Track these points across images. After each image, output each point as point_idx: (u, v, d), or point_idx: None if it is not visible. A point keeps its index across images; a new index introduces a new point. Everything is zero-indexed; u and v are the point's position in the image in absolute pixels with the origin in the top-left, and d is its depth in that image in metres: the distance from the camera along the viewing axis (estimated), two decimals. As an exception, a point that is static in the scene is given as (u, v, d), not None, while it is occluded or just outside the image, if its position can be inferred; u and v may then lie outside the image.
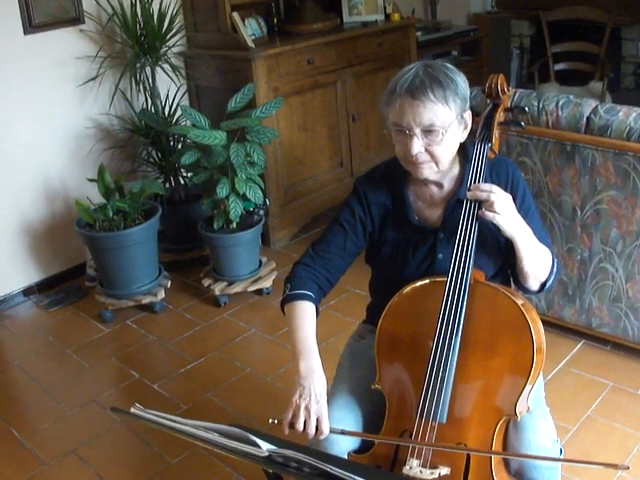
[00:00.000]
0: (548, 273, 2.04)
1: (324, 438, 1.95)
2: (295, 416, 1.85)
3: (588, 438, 2.88)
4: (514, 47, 7.17)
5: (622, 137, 2.94)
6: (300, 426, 1.84)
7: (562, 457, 2.01)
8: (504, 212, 1.87)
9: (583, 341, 3.44)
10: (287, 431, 1.86)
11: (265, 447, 1.30)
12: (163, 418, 1.44)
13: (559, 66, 5.80)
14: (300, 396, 1.87)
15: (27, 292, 4.41)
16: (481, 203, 1.90)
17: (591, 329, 3.35)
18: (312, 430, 1.84)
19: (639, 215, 2.99)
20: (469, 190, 1.92)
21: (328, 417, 1.93)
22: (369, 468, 1.81)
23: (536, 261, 1.99)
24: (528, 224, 1.96)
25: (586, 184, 3.08)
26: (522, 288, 2.07)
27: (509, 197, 1.90)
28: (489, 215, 1.87)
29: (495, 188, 1.89)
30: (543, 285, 2.06)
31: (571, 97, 3.13)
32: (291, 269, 2.15)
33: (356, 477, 1.25)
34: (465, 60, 6.13)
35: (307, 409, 1.85)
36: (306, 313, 2.03)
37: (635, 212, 2.99)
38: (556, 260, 2.07)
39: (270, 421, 1.89)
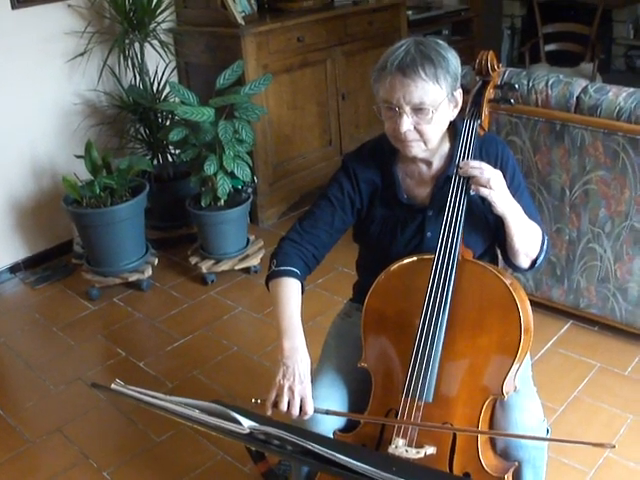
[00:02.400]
0: (538, 250, 2.02)
1: (309, 419, 1.93)
2: (279, 396, 1.84)
3: (575, 418, 2.88)
4: (505, 27, 7.14)
5: (612, 117, 2.92)
6: (284, 406, 1.83)
7: (549, 437, 2.01)
8: (498, 188, 1.86)
9: (571, 321, 3.44)
10: (270, 412, 1.84)
11: (247, 424, 1.28)
12: (144, 394, 1.41)
13: (550, 47, 5.77)
14: (284, 376, 1.86)
15: (13, 269, 4.38)
16: (470, 180, 1.88)
17: (579, 309, 3.35)
18: (296, 411, 1.83)
19: (628, 195, 2.98)
20: (459, 167, 1.90)
21: (314, 396, 1.92)
22: (353, 446, 1.80)
23: (526, 238, 1.97)
24: (518, 202, 1.95)
25: (575, 164, 3.07)
26: (512, 266, 2.06)
27: (500, 174, 1.89)
28: (484, 191, 1.85)
29: (485, 165, 1.87)
30: (534, 263, 2.04)
31: (561, 76, 3.11)
32: (277, 244, 2.12)
33: (338, 454, 1.23)
34: (456, 40, 6.09)
35: (291, 389, 1.84)
36: (291, 290, 2.01)
37: (624, 192, 2.98)
38: (546, 238, 2.06)
39: (253, 401, 1.87)
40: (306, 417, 1.85)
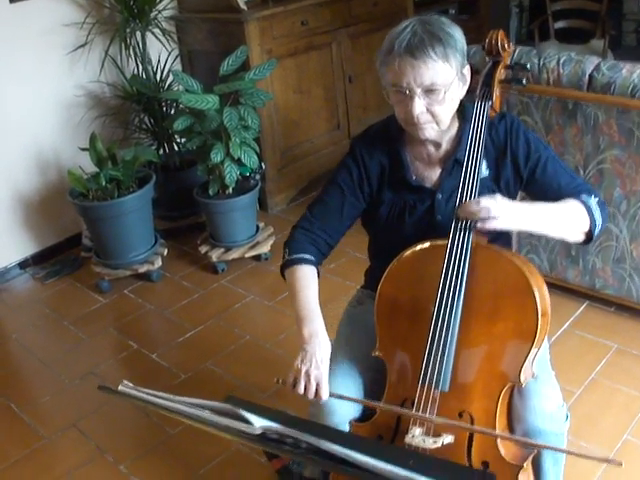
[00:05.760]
0: (588, 224, 1.91)
1: (325, 407, 1.94)
2: (296, 380, 1.84)
3: (593, 401, 2.84)
4: (513, 5, 7.06)
5: (626, 94, 2.86)
6: (300, 390, 1.83)
7: (566, 425, 1.96)
8: (502, 215, 1.75)
9: (587, 302, 3.40)
10: (292, 392, 1.85)
11: (258, 424, 1.24)
12: (152, 396, 1.38)
13: (559, 24, 5.70)
14: (302, 361, 1.85)
15: (23, 265, 4.36)
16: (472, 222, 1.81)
17: (595, 290, 3.30)
18: (311, 395, 1.83)
19: (643, 174, 2.93)
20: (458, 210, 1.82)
21: (329, 384, 1.90)
22: (368, 441, 1.76)
23: (561, 227, 1.90)
24: (542, 176, 1.94)
25: (589, 143, 3.01)
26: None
27: (498, 199, 1.77)
28: (491, 225, 1.75)
29: (481, 200, 1.76)
30: (590, 234, 1.94)
31: (572, 54, 3.04)
32: (289, 233, 2.11)
33: (353, 454, 1.20)
34: (463, 19, 6.00)
35: (307, 374, 1.83)
36: (307, 277, 2.00)
37: (639, 171, 2.92)
38: (594, 202, 1.92)
39: (275, 380, 1.89)
40: (321, 401, 1.85)
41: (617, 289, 3.22)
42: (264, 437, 1.25)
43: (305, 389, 1.83)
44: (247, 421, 1.24)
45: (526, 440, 1.87)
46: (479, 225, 1.77)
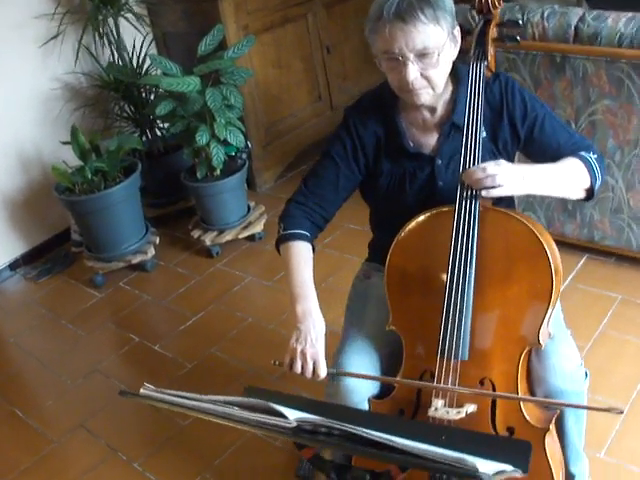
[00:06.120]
0: (589, 180, 1.90)
1: (342, 387, 1.92)
2: (292, 359, 1.83)
3: (603, 354, 2.83)
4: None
5: (613, 44, 2.81)
6: (298, 369, 1.82)
7: (586, 383, 1.94)
8: (507, 181, 1.73)
9: (586, 255, 3.38)
10: (289, 372, 1.84)
11: (293, 417, 1.20)
12: (177, 397, 1.34)
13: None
14: (296, 340, 1.84)
15: (13, 266, 4.29)
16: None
17: (594, 243, 3.28)
18: (309, 374, 1.82)
19: (636, 123, 2.89)
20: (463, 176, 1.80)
21: (345, 364, 1.93)
22: (399, 421, 1.73)
23: (564, 186, 1.88)
24: (540, 134, 1.92)
25: (579, 95, 2.97)
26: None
27: (503, 164, 1.75)
28: (496, 193, 1.74)
29: (487, 165, 1.74)
30: (591, 191, 1.94)
31: (556, 7, 3.00)
32: (284, 207, 2.07)
33: (390, 437, 1.17)
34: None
35: (303, 353, 1.81)
36: (301, 253, 1.97)
37: (631, 120, 2.89)
38: (593, 158, 1.92)
39: (272, 362, 1.88)
40: (319, 379, 1.83)
41: (616, 240, 3.20)
42: (299, 429, 1.22)
43: (302, 368, 1.82)
44: (281, 415, 1.20)
45: (549, 400, 1.86)
46: (484, 193, 1.75)
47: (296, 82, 4.69)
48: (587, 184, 1.91)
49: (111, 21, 4.08)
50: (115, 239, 3.91)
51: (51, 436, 3.01)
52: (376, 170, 2.05)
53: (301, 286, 1.91)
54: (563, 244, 3.29)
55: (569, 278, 3.26)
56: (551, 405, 1.88)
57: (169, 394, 1.33)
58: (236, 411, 1.26)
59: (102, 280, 3.98)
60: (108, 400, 3.11)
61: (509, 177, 1.73)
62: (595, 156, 1.93)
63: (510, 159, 1.96)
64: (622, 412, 1.48)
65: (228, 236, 4.03)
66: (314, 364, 1.81)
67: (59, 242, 4.42)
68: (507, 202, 2.04)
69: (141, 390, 1.36)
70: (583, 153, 1.93)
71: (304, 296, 1.89)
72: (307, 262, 1.97)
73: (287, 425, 1.20)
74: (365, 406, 1.93)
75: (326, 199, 2.05)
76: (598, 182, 1.93)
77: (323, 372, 1.81)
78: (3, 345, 3.69)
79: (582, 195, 1.94)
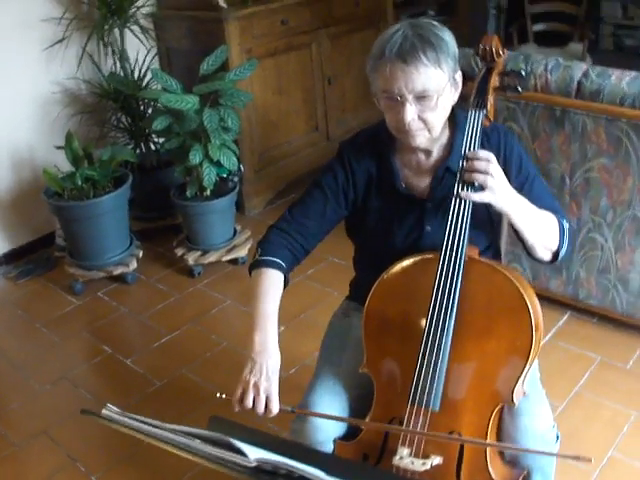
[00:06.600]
0: (558, 242, 1.91)
1: (309, 424, 1.88)
2: (244, 392, 1.75)
3: (577, 415, 2.80)
4: (491, 7, 7.01)
5: (615, 102, 2.81)
6: (249, 403, 1.74)
7: (558, 443, 1.92)
8: (497, 188, 1.74)
9: (569, 313, 3.36)
10: (237, 408, 1.75)
11: (253, 456, 1.17)
12: (139, 422, 1.30)
13: (537, 27, 5.70)
14: (250, 371, 1.77)
15: (-5, 264, 4.25)
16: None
17: (578, 301, 3.26)
18: (261, 409, 1.74)
19: (631, 184, 2.89)
20: (465, 159, 1.79)
21: (313, 403, 1.89)
22: (364, 468, 1.69)
23: (538, 231, 1.86)
24: (529, 192, 1.86)
25: (576, 151, 2.97)
26: (534, 259, 1.95)
27: (501, 172, 1.77)
28: (480, 198, 1.75)
29: (492, 165, 1.75)
30: (556, 255, 1.93)
31: (560, 60, 3.00)
32: (265, 233, 2.03)
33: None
34: (441, 20, 5.90)
35: (256, 386, 1.74)
36: (273, 283, 1.92)
37: (627, 181, 2.89)
38: (566, 227, 1.93)
39: (218, 395, 1.78)
40: (270, 415, 1.75)
41: (601, 300, 3.18)
42: (258, 469, 1.18)
43: (254, 402, 1.74)
44: (241, 452, 1.17)
45: (516, 447, 1.83)
46: (463, 194, 1.76)
47: (295, 110, 4.69)
48: (555, 245, 1.91)
49: (117, 31, 4.10)
50: (99, 248, 3.88)
51: (12, 439, 2.97)
52: (364, 207, 2.02)
53: (264, 316, 1.85)
54: (547, 299, 3.31)
55: (550, 334, 3.24)
56: (517, 452, 1.84)
57: (131, 418, 1.29)
58: (197, 444, 1.23)
59: (81, 288, 3.94)
60: (74, 409, 3.05)
61: (500, 185, 1.74)
62: (567, 225, 1.94)
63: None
64: (591, 461, 1.44)
65: (211, 257, 4.00)
66: (267, 399, 1.74)
67: (43, 245, 4.39)
68: (493, 252, 2.03)
69: (103, 411, 1.32)
70: (560, 218, 1.93)
71: (264, 327, 1.84)
72: (276, 292, 1.91)
73: (246, 464, 1.16)
74: (330, 446, 1.89)
75: (310, 230, 2.01)
76: (563, 249, 1.93)
77: (275, 408, 1.74)
78: (-25, 343, 3.65)
79: (547, 255, 1.93)
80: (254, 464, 1.17)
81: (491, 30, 6.98)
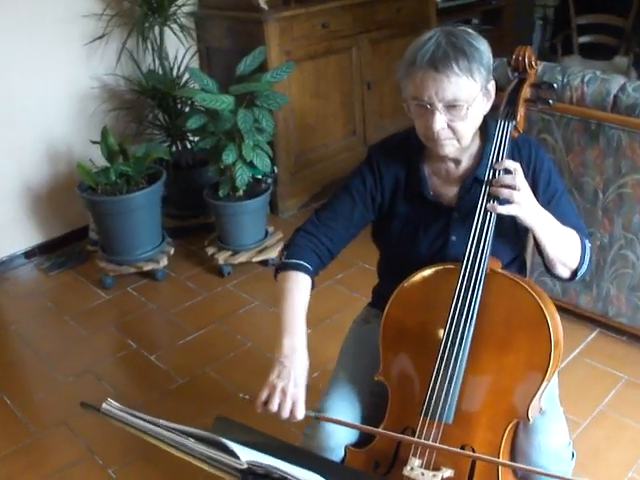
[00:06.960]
0: (578, 260, 1.88)
1: (322, 429, 1.87)
2: (270, 396, 1.73)
3: (599, 434, 2.74)
4: (537, 17, 6.94)
5: (652, 118, 2.77)
6: (274, 407, 1.72)
7: (573, 462, 1.88)
8: (523, 202, 1.72)
9: (598, 330, 3.30)
10: (260, 410, 1.73)
11: (245, 458, 1.15)
12: (137, 418, 1.30)
13: (583, 39, 5.61)
14: (278, 376, 1.74)
15: (28, 254, 4.32)
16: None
17: (607, 318, 3.21)
18: (286, 414, 1.72)
19: (665, 201, 2.84)
20: (491, 184, 1.77)
21: (326, 407, 1.88)
22: (361, 476, 1.67)
23: (561, 248, 1.84)
24: (555, 208, 1.84)
25: (610, 166, 2.92)
26: (552, 275, 1.93)
27: (527, 185, 1.75)
28: (507, 211, 1.73)
29: (518, 178, 1.74)
30: (574, 273, 1.91)
31: (597, 73, 2.95)
32: (292, 235, 2.01)
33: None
34: (486, 29, 5.92)
35: (284, 391, 1.72)
36: (299, 286, 1.90)
37: (661, 197, 2.84)
38: (588, 246, 1.91)
39: (241, 396, 1.76)
40: (294, 420, 1.74)
41: (630, 318, 3.12)
42: (250, 472, 1.17)
43: (279, 407, 1.72)
44: (233, 454, 1.16)
45: (529, 468, 1.79)
46: (488, 206, 1.75)
47: (332, 114, 4.69)
48: (575, 263, 1.89)
49: (157, 29, 4.12)
50: (130, 244, 3.91)
51: (34, 428, 3.00)
52: (391, 212, 2.01)
53: (293, 320, 1.83)
54: (576, 315, 3.27)
55: (577, 350, 3.18)
56: (530, 472, 1.81)
57: (129, 413, 1.29)
58: (190, 442, 1.22)
59: (111, 282, 3.97)
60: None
61: (526, 199, 1.73)
62: (589, 245, 1.92)
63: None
64: None
65: (242, 258, 4.00)
66: (293, 404, 1.72)
67: (76, 238, 4.44)
68: (518, 265, 2.01)
69: (103, 405, 1.33)
70: (583, 237, 1.91)
71: (293, 331, 1.81)
72: (303, 295, 1.89)
73: (237, 466, 1.15)
74: (341, 452, 1.87)
75: (337, 233, 2.00)
76: (582, 268, 1.90)
77: (300, 414, 1.72)
78: (4, 331, 3.69)
79: (566, 272, 1.91)
80: (245, 466, 1.16)
81: (536, 41, 6.91)
